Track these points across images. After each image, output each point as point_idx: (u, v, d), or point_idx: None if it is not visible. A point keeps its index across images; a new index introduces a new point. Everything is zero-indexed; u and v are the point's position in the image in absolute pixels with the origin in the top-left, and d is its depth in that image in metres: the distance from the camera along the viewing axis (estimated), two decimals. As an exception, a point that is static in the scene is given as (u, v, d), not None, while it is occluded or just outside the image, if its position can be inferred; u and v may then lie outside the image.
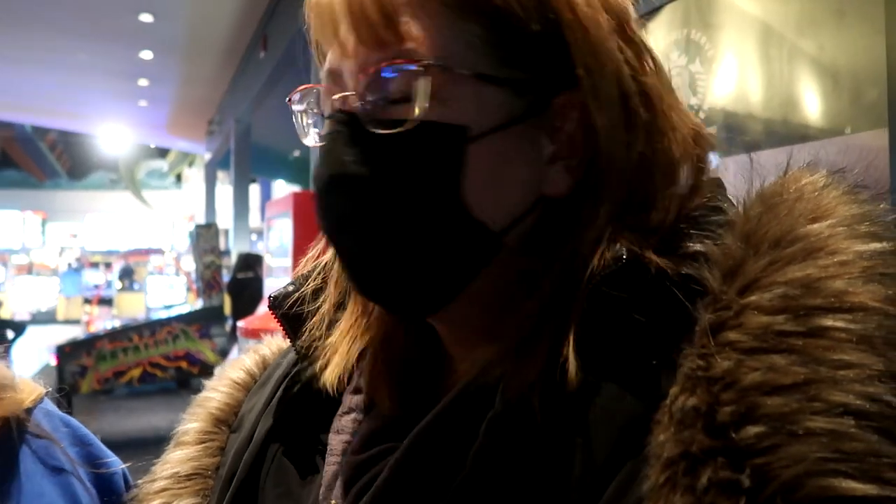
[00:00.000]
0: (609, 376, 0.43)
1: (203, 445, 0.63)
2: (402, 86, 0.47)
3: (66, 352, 6.18)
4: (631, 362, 0.43)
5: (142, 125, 12.30)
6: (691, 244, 0.45)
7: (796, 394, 0.36)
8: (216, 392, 0.67)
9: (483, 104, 0.48)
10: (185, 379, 6.59)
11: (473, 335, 0.51)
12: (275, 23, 6.38)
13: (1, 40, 7.36)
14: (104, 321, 9.59)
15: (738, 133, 1.78)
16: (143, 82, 9.00)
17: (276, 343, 0.71)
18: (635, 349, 0.43)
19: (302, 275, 0.61)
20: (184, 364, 6.35)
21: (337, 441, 0.55)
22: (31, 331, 10.39)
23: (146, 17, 6.55)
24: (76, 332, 9.66)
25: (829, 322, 0.37)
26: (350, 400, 0.57)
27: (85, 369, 6.14)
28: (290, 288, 0.60)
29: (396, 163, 0.47)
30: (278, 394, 0.60)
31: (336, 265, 0.58)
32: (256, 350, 0.71)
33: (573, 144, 0.49)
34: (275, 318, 0.60)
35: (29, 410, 0.65)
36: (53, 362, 6.38)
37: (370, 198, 0.47)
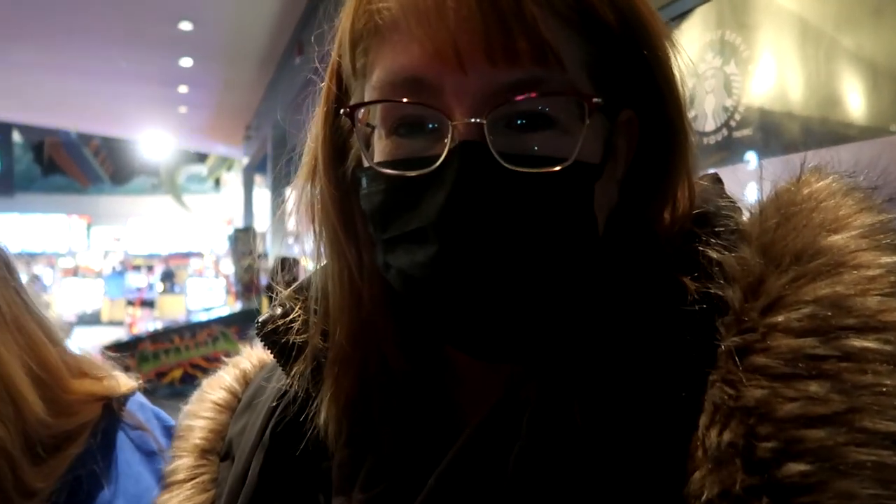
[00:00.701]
0: (638, 404, 0.41)
1: (193, 482, 0.60)
2: (552, 117, 0.42)
3: (111, 353, 6.34)
4: (658, 388, 0.41)
5: (182, 131, 12.55)
6: (705, 250, 0.43)
7: (838, 425, 0.34)
8: (198, 420, 0.63)
9: (597, 133, 0.44)
10: (224, 379, 6.68)
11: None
12: (310, 29, 6.44)
13: (47, 50, 7.60)
14: (146, 323, 9.83)
15: (775, 135, 1.75)
16: (182, 89, 9.19)
17: (256, 355, 0.68)
18: (662, 374, 0.41)
19: (291, 296, 0.55)
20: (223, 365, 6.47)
21: (341, 477, 0.50)
22: (76, 332, 10.69)
23: (186, 26, 6.69)
24: (120, 334, 9.90)
25: (862, 344, 0.35)
26: (349, 432, 0.51)
27: (128, 370, 6.29)
28: (279, 311, 0.55)
29: (544, 204, 0.41)
30: (269, 429, 0.55)
31: (321, 290, 0.52)
32: (236, 364, 0.68)
33: (624, 159, 0.48)
34: (263, 346, 0.55)
35: (125, 399, 0.69)
36: (98, 363, 6.54)
37: (512, 243, 0.41)
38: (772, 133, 1.77)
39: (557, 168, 0.41)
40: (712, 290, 0.41)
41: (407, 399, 0.50)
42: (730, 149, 1.88)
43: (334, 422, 0.50)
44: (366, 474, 0.49)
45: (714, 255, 0.43)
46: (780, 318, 0.37)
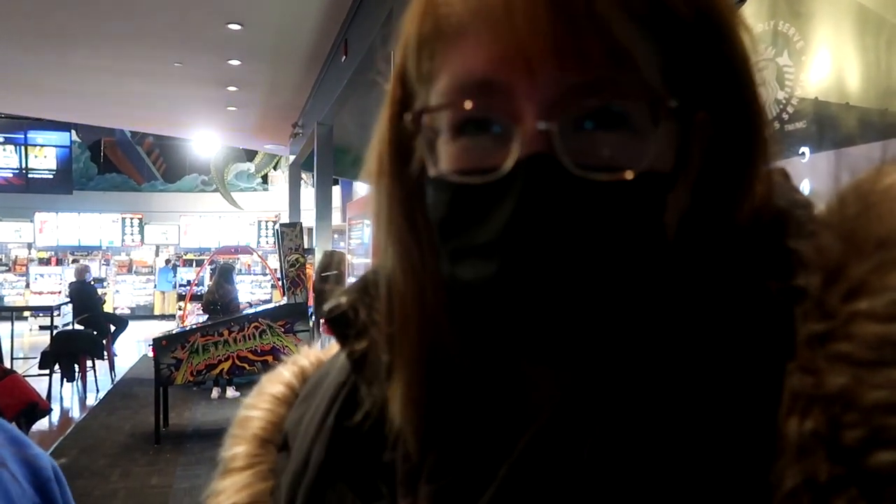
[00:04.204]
0: (714, 395, 0.40)
1: (253, 470, 0.60)
2: (625, 116, 0.40)
3: (163, 345, 6.51)
4: (735, 380, 0.40)
5: (231, 129, 12.85)
6: (782, 242, 0.42)
7: None
8: (257, 410, 0.64)
9: (668, 141, 0.42)
10: (271, 373, 6.82)
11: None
12: (355, 28, 6.52)
13: (104, 53, 7.87)
14: (196, 316, 10.09)
15: (831, 128, 1.69)
16: (232, 88, 9.40)
17: (314, 354, 0.69)
18: (738, 366, 0.40)
19: (354, 288, 0.55)
20: (270, 358, 6.59)
21: (406, 468, 0.50)
22: (131, 325, 11.04)
23: (235, 27, 6.84)
24: (171, 326, 10.20)
25: None
26: (415, 426, 0.51)
27: (179, 362, 6.46)
28: (343, 300, 0.55)
29: (612, 212, 0.40)
30: (330, 419, 0.55)
31: (384, 288, 0.51)
32: (295, 362, 0.68)
33: (696, 162, 0.46)
34: (329, 330, 0.55)
35: None
36: (151, 354, 6.73)
37: (578, 260, 0.40)
38: (827, 126, 1.71)
39: (629, 176, 0.39)
40: (790, 281, 0.40)
41: (472, 391, 0.49)
42: (782, 142, 1.83)
43: (400, 415, 0.50)
44: (433, 465, 0.49)
45: (791, 244, 0.41)
46: (864, 305, 0.36)
